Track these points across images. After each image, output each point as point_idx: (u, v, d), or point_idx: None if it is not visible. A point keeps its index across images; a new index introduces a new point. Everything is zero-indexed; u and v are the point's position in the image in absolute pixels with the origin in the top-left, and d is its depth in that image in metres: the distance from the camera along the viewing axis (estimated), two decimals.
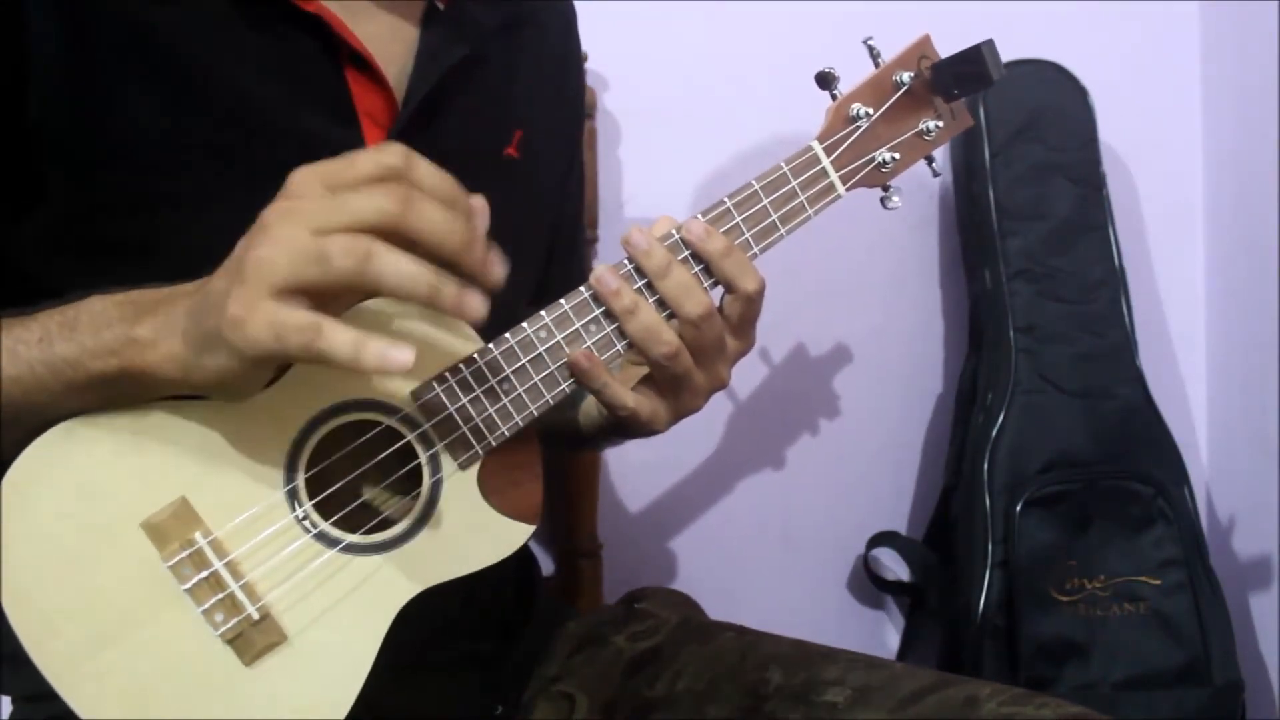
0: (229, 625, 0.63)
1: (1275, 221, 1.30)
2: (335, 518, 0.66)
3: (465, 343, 0.66)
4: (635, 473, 1.31)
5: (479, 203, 0.60)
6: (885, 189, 0.77)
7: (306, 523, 0.65)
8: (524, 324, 0.67)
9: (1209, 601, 1.24)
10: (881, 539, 1.36)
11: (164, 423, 0.62)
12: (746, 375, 1.34)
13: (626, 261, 0.69)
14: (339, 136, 0.72)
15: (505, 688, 0.88)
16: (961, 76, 0.74)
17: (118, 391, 0.61)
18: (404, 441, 0.66)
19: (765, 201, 0.72)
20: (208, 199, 0.69)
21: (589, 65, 1.11)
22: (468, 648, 0.85)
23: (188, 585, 0.62)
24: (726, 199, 0.71)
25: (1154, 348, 1.40)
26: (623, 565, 1.26)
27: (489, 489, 0.68)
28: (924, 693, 0.73)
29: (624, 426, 0.73)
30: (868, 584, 1.39)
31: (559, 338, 0.67)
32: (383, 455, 0.66)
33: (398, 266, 0.55)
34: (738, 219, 0.71)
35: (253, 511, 0.64)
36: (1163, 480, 1.27)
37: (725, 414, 1.34)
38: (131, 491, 0.62)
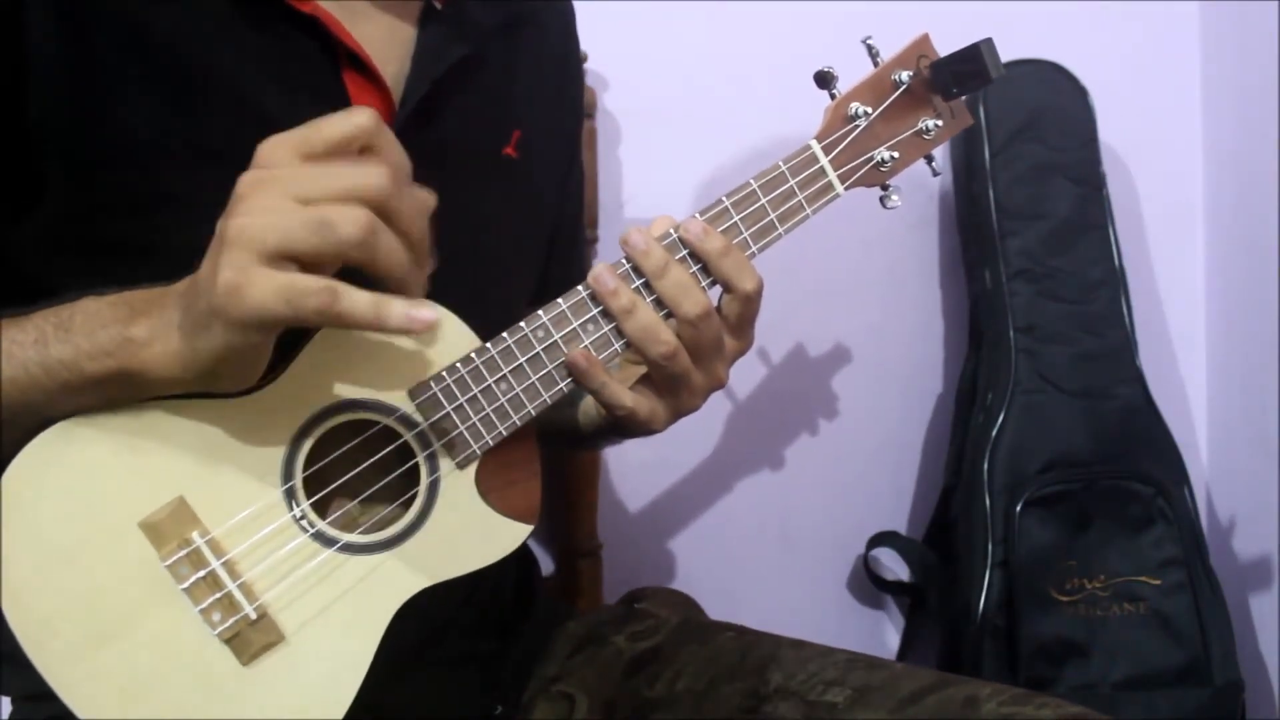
0: (227, 625, 0.63)
1: (1275, 221, 1.30)
2: (333, 517, 0.66)
3: (462, 342, 0.66)
4: (635, 473, 1.31)
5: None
6: (884, 188, 0.77)
7: (304, 522, 0.65)
8: (521, 323, 0.67)
9: (1209, 601, 1.24)
10: (881, 539, 1.36)
11: (161, 422, 0.62)
12: (747, 375, 1.34)
13: (624, 261, 0.69)
14: None
15: (505, 687, 0.87)
16: (960, 75, 0.74)
17: (114, 392, 0.61)
18: (401, 441, 0.66)
19: (763, 201, 0.72)
20: (206, 199, 0.68)
21: (589, 65, 1.11)
22: (467, 647, 0.85)
23: (185, 585, 0.62)
24: (725, 198, 0.71)
25: (1154, 348, 1.40)
26: (623, 565, 1.26)
27: (487, 488, 0.68)
28: (924, 693, 0.73)
29: (622, 426, 0.73)
30: (867, 584, 1.39)
31: (557, 337, 0.67)
32: (380, 455, 0.66)
33: (391, 244, 0.55)
34: (736, 218, 0.71)
35: (250, 511, 0.64)
36: (1163, 480, 1.27)
37: (725, 414, 1.34)
38: (129, 491, 0.62)
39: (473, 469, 0.67)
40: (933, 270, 1.40)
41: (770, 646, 0.83)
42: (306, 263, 0.55)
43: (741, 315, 0.72)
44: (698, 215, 0.70)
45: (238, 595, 0.63)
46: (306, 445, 0.64)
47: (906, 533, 1.40)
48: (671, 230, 0.70)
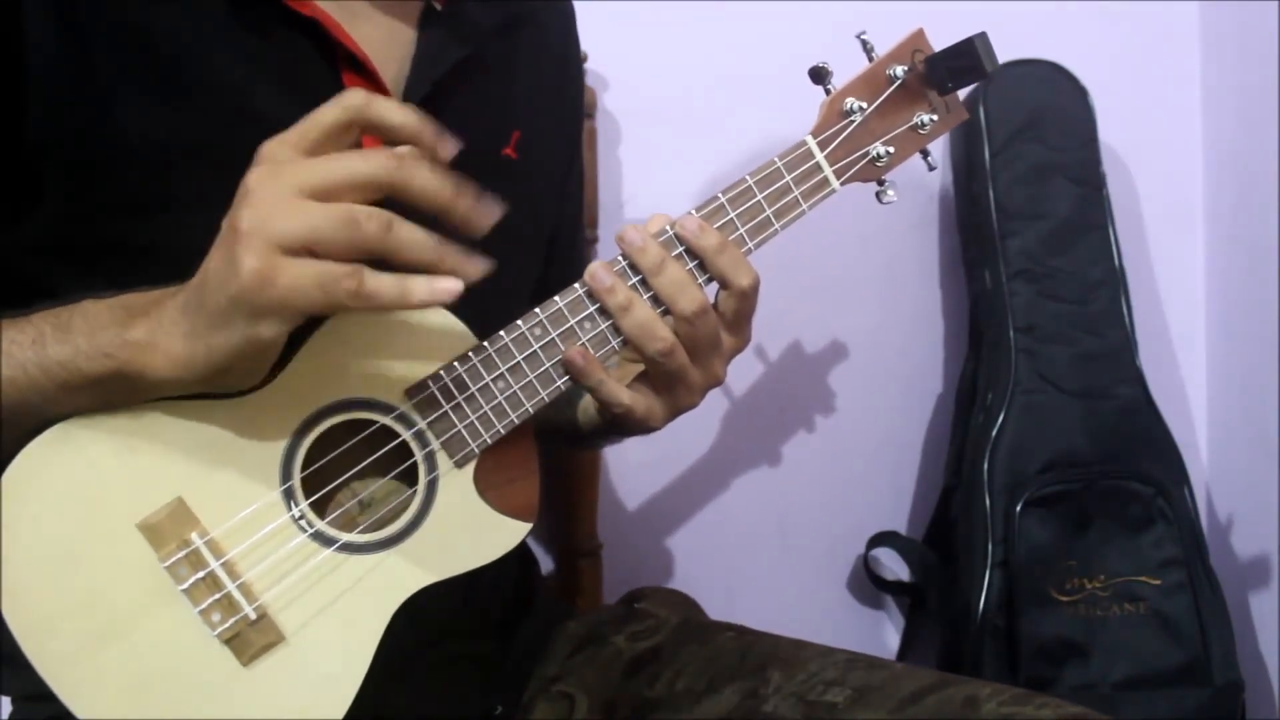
0: (226, 625, 0.63)
1: (1275, 221, 1.30)
2: (332, 516, 0.66)
3: (460, 340, 0.66)
4: (635, 472, 1.31)
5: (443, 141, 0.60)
6: (880, 183, 0.77)
7: (303, 522, 0.65)
8: (519, 321, 0.67)
9: (1209, 601, 1.24)
10: (881, 539, 1.36)
11: (160, 423, 0.62)
12: (747, 376, 1.34)
13: (621, 258, 0.69)
14: None
15: (505, 687, 0.88)
16: (955, 69, 0.74)
17: (112, 393, 0.61)
18: (399, 440, 0.66)
19: (759, 197, 0.72)
20: (205, 201, 0.69)
21: (589, 65, 1.11)
22: (467, 647, 0.85)
23: (184, 585, 0.62)
24: (720, 194, 0.71)
25: (1154, 348, 1.40)
26: (623, 565, 1.26)
27: (485, 486, 0.68)
28: (924, 693, 0.73)
29: (620, 424, 0.73)
30: (867, 584, 1.39)
31: (554, 335, 0.67)
32: (379, 454, 0.66)
33: (413, 235, 0.56)
34: (732, 214, 0.71)
35: (249, 511, 0.64)
36: (1163, 480, 1.27)
37: (726, 414, 1.34)
38: (128, 492, 0.62)
39: (471, 467, 0.67)
40: (933, 270, 1.40)
41: (770, 646, 0.83)
42: (321, 254, 0.56)
43: (738, 312, 0.72)
44: (694, 212, 0.70)
45: (237, 596, 0.63)
46: (305, 445, 0.64)
47: (906, 533, 1.40)
48: (668, 227, 0.70)
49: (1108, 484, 1.26)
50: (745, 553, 1.36)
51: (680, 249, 0.69)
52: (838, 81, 0.75)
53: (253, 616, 0.63)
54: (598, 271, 0.67)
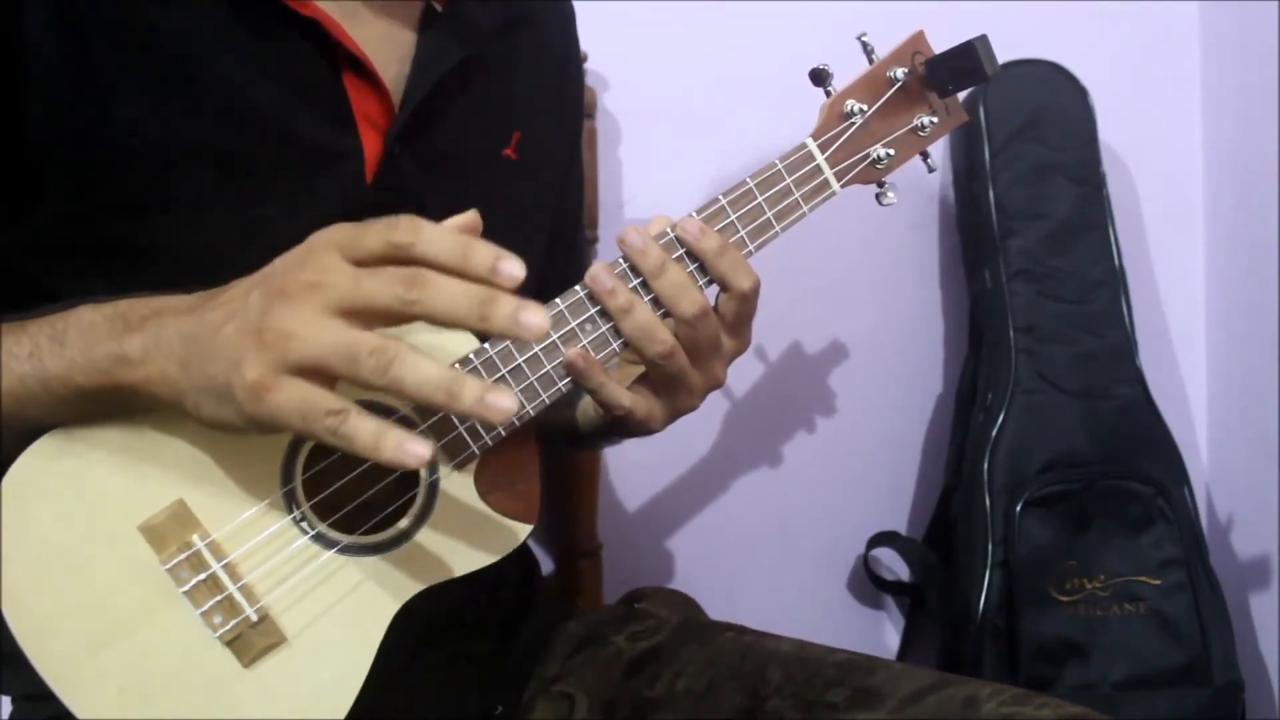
0: (228, 627, 0.63)
1: (1275, 221, 1.30)
2: (333, 519, 0.66)
3: (461, 343, 0.66)
4: (635, 473, 1.31)
5: (501, 258, 0.57)
6: (880, 185, 0.77)
7: (304, 524, 0.65)
8: None
9: (1209, 601, 1.24)
10: (881, 539, 1.36)
11: (161, 425, 0.62)
12: (747, 376, 1.34)
13: (622, 260, 0.69)
14: (337, 140, 0.72)
15: (505, 687, 0.88)
16: (956, 72, 0.74)
17: (110, 406, 0.61)
18: None
19: (760, 199, 0.72)
20: (206, 202, 0.69)
21: (589, 65, 1.11)
22: (467, 647, 0.85)
23: (186, 587, 0.62)
24: (721, 197, 0.71)
25: (1154, 348, 1.40)
26: (623, 565, 1.26)
27: (486, 489, 0.68)
28: (924, 693, 0.73)
29: (620, 426, 0.73)
30: (868, 584, 1.39)
31: (554, 337, 0.67)
32: None
33: (416, 373, 0.54)
34: (732, 217, 0.71)
35: (250, 513, 0.64)
36: (1162, 480, 1.27)
37: (726, 414, 1.34)
38: (129, 494, 0.62)
39: (472, 469, 0.67)
40: (933, 270, 1.40)
41: (770, 646, 0.83)
42: (333, 380, 0.56)
43: (738, 314, 0.72)
44: (694, 214, 0.71)
45: (238, 597, 0.63)
46: (306, 447, 0.64)
47: (906, 533, 1.40)
48: (668, 229, 0.70)
49: (1108, 484, 1.26)
50: (745, 553, 1.36)
51: (681, 251, 0.69)
52: (838, 83, 0.75)
53: (254, 618, 0.63)
54: (599, 274, 0.67)
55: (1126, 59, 1.41)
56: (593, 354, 0.68)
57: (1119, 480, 1.26)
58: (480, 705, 0.85)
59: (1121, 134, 1.38)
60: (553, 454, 1.12)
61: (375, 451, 0.54)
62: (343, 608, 0.65)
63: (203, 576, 0.62)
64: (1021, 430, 1.26)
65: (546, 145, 0.88)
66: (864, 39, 0.75)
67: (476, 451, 0.67)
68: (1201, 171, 1.45)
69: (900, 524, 1.41)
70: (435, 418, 0.65)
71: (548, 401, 0.68)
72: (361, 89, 0.73)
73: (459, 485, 0.67)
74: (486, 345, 0.66)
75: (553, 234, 0.92)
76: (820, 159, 0.73)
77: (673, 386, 0.71)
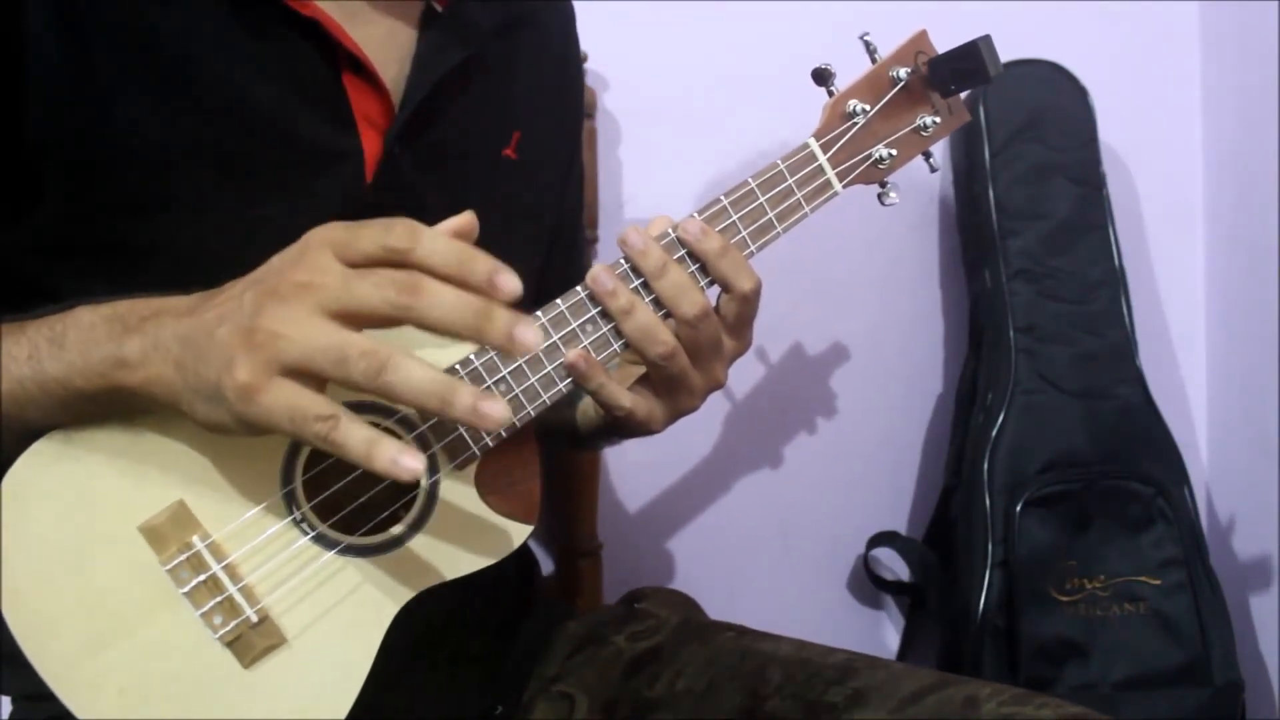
0: (228, 628, 0.63)
1: (1275, 221, 1.30)
2: (333, 520, 0.66)
3: (461, 344, 0.66)
4: (635, 473, 1.31)
5: (499, 271, 0.56)
6: (882, 185, 0.77)
7: (304, 525, 0.65)
8: None
9: (1209, 601, 1.24)
10: (881, 539, 1.36)
11: (161, 426, 0.62)
12: (748, 376, 1.34)
13: (623, 261, 0.69)
14: (336, 140, 0.72)
15: (505, 687, 0.88)
16: (959, 72, 0.74)
17: (110, 407, 0.61)
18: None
19: (762, 199, 0.72)
20: (206, 202, 0.69)
21: (589, 65, 1.11)
22: (467, 648, 0.85)
23: (186, 588, 0.62)
24: (723, 197, 0.71)
25: (1154, 348, 1.40)
26: (623, 565, 1.26)
27: (486, 489, 0.68)
28: (924, 693, 0.73)
29: (621, 426, 0.73)
30: (867, 584, 1.39)
31: (555, 338, 0.67)
32: None
33: (409, 378, 0.54)
34: (734, 217, 0.71)
35: (250, 514, 0.64)
36: (1163, 480, 1.27)
37: (726, 414, 1.34)
38: (129, 495, 0.62)
39: (472, 470, 0.67)
40: (933, 270, 1.40)
41: (770, 646, 0.83)
42: (322, 383, 0.56)
43: (739, 315, 0.72)
44: (696, 215, 0.70)
45: (239, 598, 0.63)
46: (306, 448, 0.64)
47: (906, 533, 1.40)
48: (669, 230, 0.70)
49: (1108, 484, 1.26)
50: (746, 553, 1.36)
51: (682, 252, 0.69)
52: (840, 83, 0.75)
53: (254, 619, 0.63)
54: (600, 275, 0.67)
55: (1126, 59, 1.41)
56: (593, 355, 0.68)
57: (1119, 480, 1.26)
58: (480, 705, 0.85)
59: (1121, 134, 1.38)
60: (553, 454, 1.12)
61: (367, 460, 0.54)
62: (343, 609, 0.65)
63: (203, 577, 0.62)
64: (1021, 430, 1.26)
65: (547, 145, 0.88)
66: (866, 38, 0.75)
67: (477, 453, 0.67)
68: (1201, 171, 1.45)
69: (900, 524, 1.41)
70: (436, 418, 0.65)
71: (548, 403, 0.68)
72: (361, 89, 0.73)
73: (459, 486, 0.67)
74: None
75: (553, 234, 0.92)
76: (823, 159, 0.73)
77: (674, 387, 0.71)
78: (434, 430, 0.66)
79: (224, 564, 0.63)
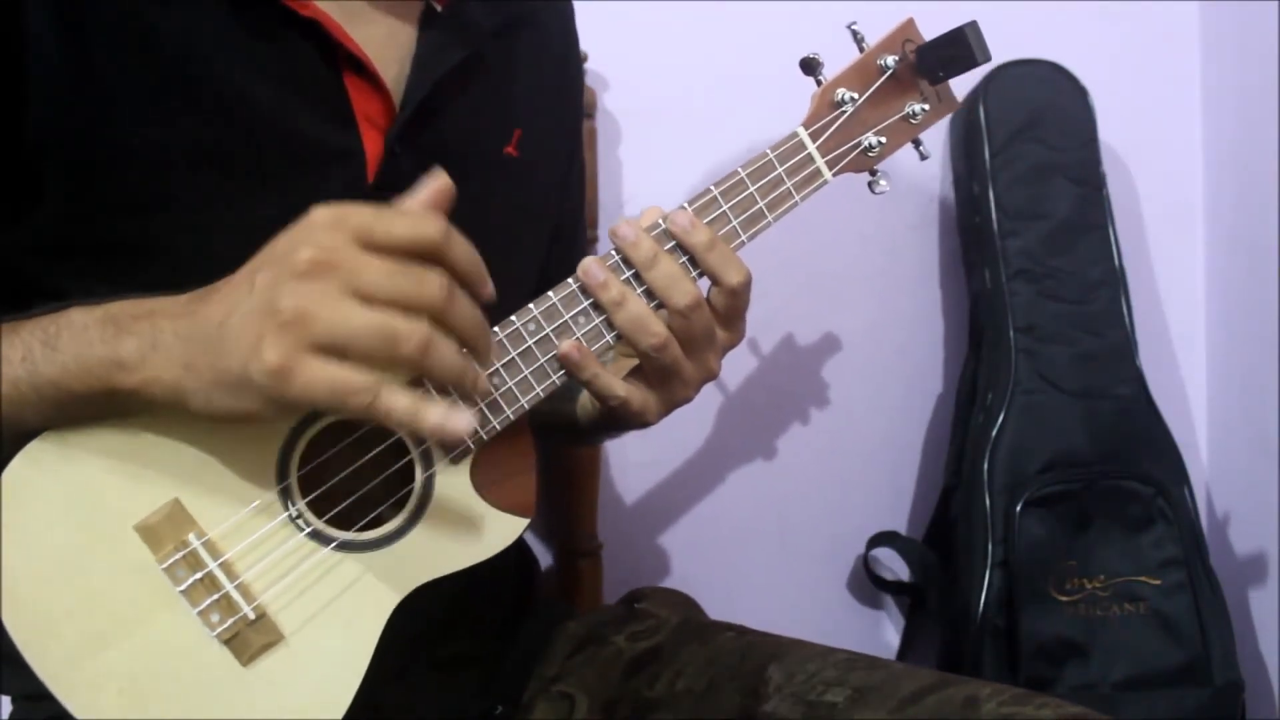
0: (225, 625, 0.63)
1: (1275, 221, 1.30)
2: (329, 515, 0.66)
3: None
4: (634, 471, 1.31)
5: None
6: (873, 173, 0.77)
7: (300, 521, 0.65)
8: (513, 317, 0.67)
9: (1209, 601, 1.24)
10: (881, 539, 1.36)
11: (155, 426, 0.62)
12: (747, 376, 1.34)
13: (614, 253, 0.69)
14: (337, 140, 0.72)
15: (505, 687, 0.87)
16: (947, 59, 0.74)
17: (105, 409, 0.61)
18: (396, 438, 0.66)
19: (752, 189, 0.72)
20: (206, 202, 0.69)
21: (589, 65, 1.11)
22: (467, 647, 0.85)
23: (183, 586, 0.62)
24: (713, 187, 0.71)
25: (1154, 348, 1.40)
26: (623, 565, 1.26)
27: (482, 483, 0.68)
28: (924, 693, 0.73)
29: (616, 417, 0.73)
30: (867, 584, 1.39)
31: (548, 330, 0.67)
32: (375, 452, 0.66)
33: (445, 360, 0.56)
34: (725, 207, 0.71)
35: (246, 511, 0.64)
36: (1162, 480, 1.26)
37: (726, 414, 1.34)
38: (124, 494, 0.62)
39: (467, 464, 0.67)
40: (933, 270, 1.40)
41: (770, 646, 0.83)
42: (353, 359, 0.55)
43: (730, 308, 0.72)
44: (686, 205, 0.71)
45: (235, 596, 0.63)
46: (301, 444, 0.64)
47: (906, 533, 1.39)
48: (660, 220, 0.70)
49: (1108, 484, 1.26)
50: (745, 553, 1.36)
51: (673, 243, 0.70)
52: (829, 72, 0.75)
53: (251, 616, 0.63)
54: (591, 266, 0.68)
55: (1126, 59, 1.41)
56: (586, 346, 0.68)
57: (1119, 480, 1.26)
58: (480, 705, 0.85)
59: (1121, 134, 1.38)
60: (552, 451, 1.12)
61: (415, 424, 0.55)
62: (340, 604, 0.65)
63: (199, 575, 0.62)
64: (1021, 430, 1.26)
65: (547, 143, 0.88)
66: (854, 27, 0.75)
67: (472, 446, 0.67)
68: (1201, 171, 1.45)
69: (900, 524, 1.40)
70: None
71: (542, 394, 0.68)
72: (362, 89, 0.73)
73: (455, 480, 0.67)
74: None
75: (554, 232, 0.92)
76: (811, 148, 0.73)
77: (667, 378, 0.71)
78: None
79: (220, 561, 0.63)
